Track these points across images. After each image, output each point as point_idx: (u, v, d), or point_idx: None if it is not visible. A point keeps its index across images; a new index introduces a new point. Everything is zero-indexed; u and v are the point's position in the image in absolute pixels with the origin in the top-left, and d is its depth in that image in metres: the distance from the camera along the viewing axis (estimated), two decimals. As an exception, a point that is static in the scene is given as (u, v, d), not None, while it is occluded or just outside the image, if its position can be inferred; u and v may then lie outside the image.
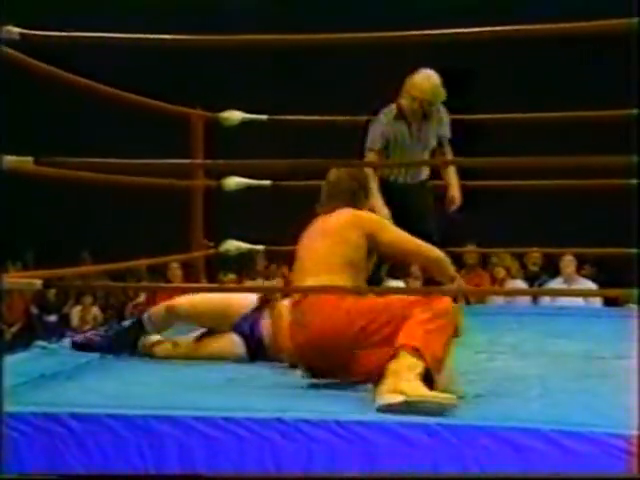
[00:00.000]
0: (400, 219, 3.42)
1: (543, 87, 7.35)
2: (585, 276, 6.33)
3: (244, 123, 4.21)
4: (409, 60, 3.82)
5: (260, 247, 4.54)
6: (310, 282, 2.68)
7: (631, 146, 2.74)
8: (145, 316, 3.18)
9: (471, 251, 6.53)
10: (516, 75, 7.52)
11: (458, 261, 6.45)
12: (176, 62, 6.85)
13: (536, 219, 7.41)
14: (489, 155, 3.29)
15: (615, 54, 4.59)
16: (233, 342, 3.05)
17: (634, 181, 3.65)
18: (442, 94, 3.77)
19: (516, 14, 4.50)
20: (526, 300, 6.10)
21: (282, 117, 4.44)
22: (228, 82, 7.81)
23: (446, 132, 3.94)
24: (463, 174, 4.03)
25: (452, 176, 3.94)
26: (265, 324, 3.05)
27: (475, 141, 5.09)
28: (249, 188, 4.29)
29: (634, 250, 3.87)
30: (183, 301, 3.13)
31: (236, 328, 3.07)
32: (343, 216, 2.80)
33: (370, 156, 3.84)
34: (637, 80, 2.75)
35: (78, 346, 3.17)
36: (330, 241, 2.74)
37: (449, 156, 3.98)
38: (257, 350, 3.04)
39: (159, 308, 3.18)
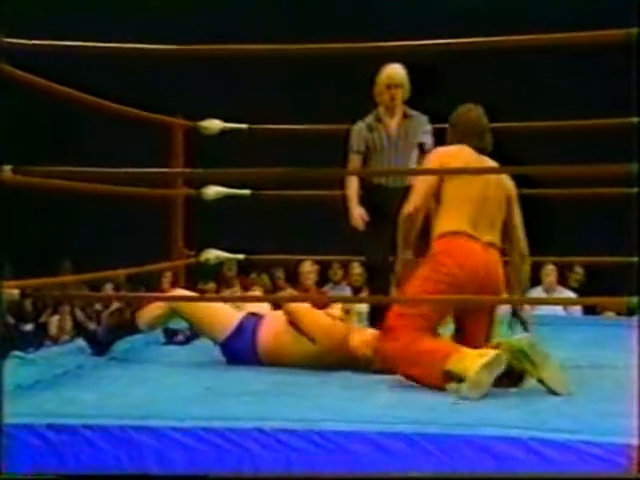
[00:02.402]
0: (383, 222, 3.50)
1: (541, 95, 7.37)
2: (576, 281, 6.35)
3: (224, 132, 4.20)
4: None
5: (240, 256, 4.53)
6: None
7: (618, 154, 2.76)
8: (138, 315, 3.28)
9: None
10: (515, 83, 7.53)
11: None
12: (156, 69, 6.83)
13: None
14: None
15: (614, 62, 4.63)
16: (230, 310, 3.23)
17: (628, 189, 3.67)
18: (407, 80, 3.86)
19: (517, 22, 4.53)
20: (506, 309, 6.11)
21: (263, 126, 4.44)
22: (209, 90, 7.79)
23: (428, 140, 3.97)
24: None
25: None
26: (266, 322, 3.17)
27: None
28: (229, 197, 4.29)
29: (635, 258, 3.88)
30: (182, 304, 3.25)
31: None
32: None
33: (354, 158, 3.90)
34: (636, 89, 2.77)
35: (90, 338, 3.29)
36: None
37: None
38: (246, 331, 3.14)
39: (148, 314, 3.27)
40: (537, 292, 6.13)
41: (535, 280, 6.29)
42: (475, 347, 2.80)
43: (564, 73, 7.18)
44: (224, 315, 3.22)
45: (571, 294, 6.06)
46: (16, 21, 2.72)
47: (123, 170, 2.88)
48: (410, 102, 3.93)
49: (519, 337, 2.73)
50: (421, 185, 2.95)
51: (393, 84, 3.83)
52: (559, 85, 7.35)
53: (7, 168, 2.57)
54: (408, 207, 2.93)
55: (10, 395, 2.53)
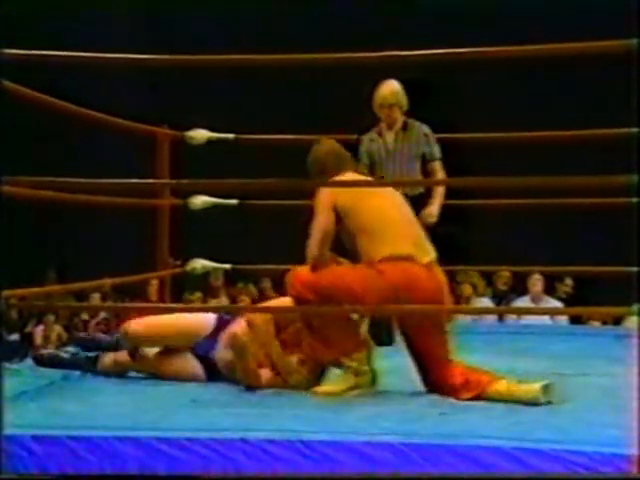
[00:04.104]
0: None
1: (540, 105, 7.39)
2: (565, 292, 6.37)
3: (211, 141, 4.21)
4: (378, 78, 3.91)
5: (227, 266, 4.53)
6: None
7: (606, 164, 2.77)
8: (100, 360, 3.14)
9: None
10: (514, 93, 7.56)
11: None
12: (142, 79, 6.84)
13: (505, 237, 7.45)
14: (471, 174, 3.31)
15: (614, 72, 4.66)
16: (191, 362, 3.04)
17: (627, 199, 3.69)
18: (403, 97, 3.95)
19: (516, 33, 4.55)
20: (493, 318, 6.13)
21: (250, 136, 4.44)
22: (195, 100, 7.80)
23: (433, 151, 4.04)
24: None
25: (435, 194, 4.00)
26: (219, 354, 3.00)
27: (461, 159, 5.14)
28: (216, 206, 4.29)
29: (634, 268, 3.89)
30: (137, 327, 3.07)
31: (193, 349, 3.05)
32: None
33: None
34: (637, 99, 2.78)
35: (41, 362, 3.20)
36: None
37: (439, 176, 4.03)
38: (212, 372, 3.01)
39: (109, 360, 3.13)
40: (524, 301, 6.16)
41: (522, 289, 6.33)
42: (440, 364, 2.77)
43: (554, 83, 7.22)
44: (191, 366, 3.02)
45: (558, 304, 6.09)
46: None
47: (109, 181, 2.88)
48: (412, 112, 4.00)
49: (535, 388, 2.61)
50: (317, 231, 2.81)
51: (386, 104, 3.93)
52: (551, 95, 7.40)
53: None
54: (308, 257, 2.81)
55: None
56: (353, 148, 3.98)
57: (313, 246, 2.83)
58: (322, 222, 2.83)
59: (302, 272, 2.81)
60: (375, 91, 3.94)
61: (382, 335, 3.63)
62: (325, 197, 2.84)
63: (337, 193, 2.85)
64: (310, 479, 2.11)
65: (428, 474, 2.09)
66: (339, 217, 2.83)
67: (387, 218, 2.84)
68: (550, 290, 6.25)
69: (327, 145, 3.02)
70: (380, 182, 2.89)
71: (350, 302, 2.72)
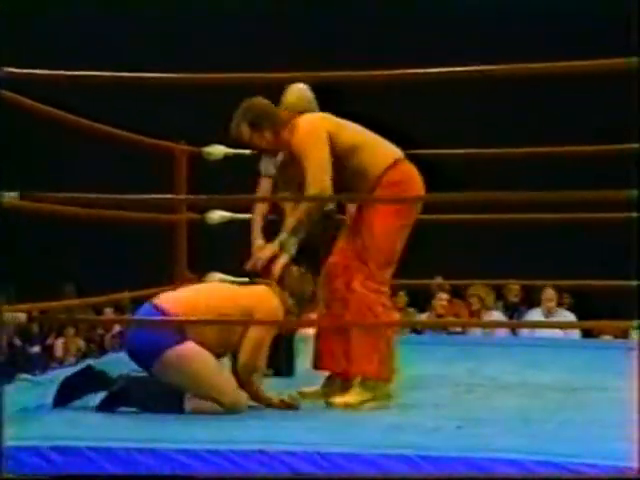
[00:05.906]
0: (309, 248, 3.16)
1: (539, 121, 7.39)
2: (566, 304, 6.38)
3: (228, 157, 4.25)
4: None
5: (244, 280, 4.55)
6: None
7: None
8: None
9: (442, 283, 6.50)
10: (513, 108, 7.56)
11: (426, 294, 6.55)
12: (158, 96, 6.91)
13: (514, 251, 7.45)
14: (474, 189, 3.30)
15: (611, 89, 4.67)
16: None
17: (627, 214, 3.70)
18: (311, 103, 3.45)
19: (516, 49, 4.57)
20: (505, 331, 6.14)
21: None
22: (212, 115, 7.86)
23: None
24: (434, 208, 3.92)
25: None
26: None
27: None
28: (233, 221, 4.32)
29: (634, 282, 3.90)
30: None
31: None
32: None
33: (263, 182, 3.66)
34: (637, 116, 2.79)
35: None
36: None
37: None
38: None
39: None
40: (536, 314, 6.16)
41: (533, 301, 6.34)
42: None
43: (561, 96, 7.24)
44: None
45: (570, 316, 6.09)
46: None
47: (128, 196, 2.92)
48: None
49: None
50: (322, 160, 2.80)
51: (295, 111, 3.24)
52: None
53: (13, 194, 2.60)
54: (323, 184, 2.77)
55: (16, 417, 2.55)
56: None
57: (325, 175, 2.77)
58: (319, 154, 2.80)
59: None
60: (282, 96, 3.44)
61: (281, 365, 3.50)
62: (317, 132, 2.83)
63: (322, 122, 2.89)
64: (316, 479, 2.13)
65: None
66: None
67: (369, 133, 2.96)
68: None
69: (261, 99, 2.95)
70: (371, 197, 2.87)
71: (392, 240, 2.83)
